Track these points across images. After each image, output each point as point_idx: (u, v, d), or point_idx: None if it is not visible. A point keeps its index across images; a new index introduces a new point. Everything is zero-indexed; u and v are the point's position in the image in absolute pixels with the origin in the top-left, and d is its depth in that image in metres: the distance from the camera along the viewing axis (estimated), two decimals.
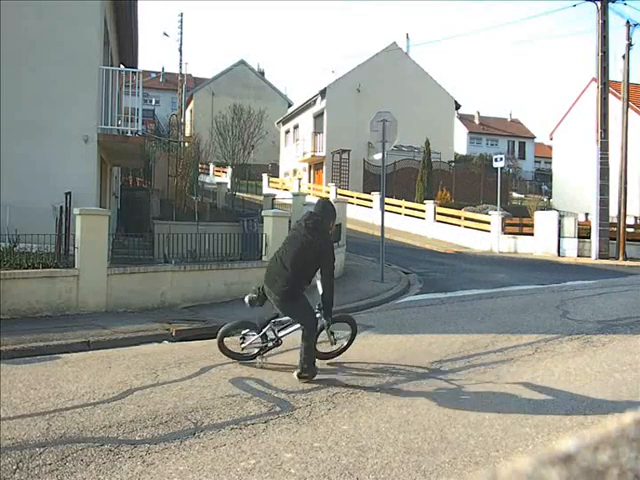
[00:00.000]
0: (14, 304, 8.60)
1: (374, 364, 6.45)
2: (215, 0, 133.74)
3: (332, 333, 6.37)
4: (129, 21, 14.71)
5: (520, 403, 5.13)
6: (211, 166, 40.08)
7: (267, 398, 5.32)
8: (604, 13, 18.89)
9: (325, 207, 6.17)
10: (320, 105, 34.86)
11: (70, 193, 10.41)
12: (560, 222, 20.03)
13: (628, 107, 20.47)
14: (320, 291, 5.97)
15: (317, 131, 35.26)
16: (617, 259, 18.78)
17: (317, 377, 5.84)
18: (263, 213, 12.54)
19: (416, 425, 4.61)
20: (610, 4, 18.97)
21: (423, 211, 25.14)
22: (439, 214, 24.32)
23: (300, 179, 34.88)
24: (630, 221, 22.67)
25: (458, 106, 36.86)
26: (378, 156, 14.23)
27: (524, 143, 57.96)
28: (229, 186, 27.74)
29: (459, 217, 23.63)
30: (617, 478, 0.45)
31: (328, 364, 6.45)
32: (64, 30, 11.44)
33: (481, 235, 22.22)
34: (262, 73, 53.34)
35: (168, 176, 20.99)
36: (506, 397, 5.30)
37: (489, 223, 22.04)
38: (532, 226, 20.84)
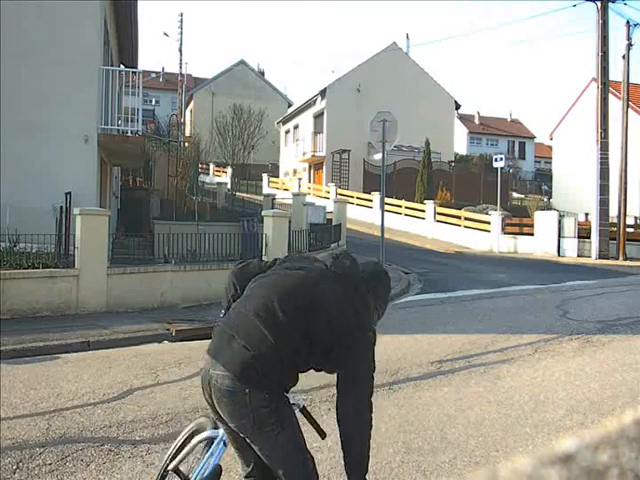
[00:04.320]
0: (14, 304, 8.60)
1: None
2: (215, 0, 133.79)
3: None
4: (129, 21, 14.70)
5: (520, 403, 5.13)
6: (211, 166, 40.08)
7: None
8: (604, 13, 18.89)
9: (378, 274, 2.77)
10: (320, 105, 34.85)
11: (70, 193, 10.41)
12: (560, 222, 20.03)
13: (628, 107, 20.46)
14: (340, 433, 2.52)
15: (317, 131, 35.26)
16: (617, 259, 18.78)
17: (316, 377, 5.82)
18: (263, 213, 12.54)
19: (416, 425, 4.61)
20: (610, 4, 18.98)
21: (423, 211, 25.14)
22: (439, 214, 24.31)
23: (300, 179, 34.87)
24: (630, 221, 22.67)
25: (458, 106, 36.85)
26: (378, 156, 14.24)
27: (524, 143, 57.94)
28: (229, 186, 27.74)
29: (459, 217, 23.63)
30: (617, 478, 0.46)
31: None
32: (64, 30, 11.44)
33: (481, 235, 22.22)
34: (262, 73, 53.31)
35: (168, 176, 20.99)
36: (506, 397, 5.30)
37: (489, 223, 22.03)
38: (532, 226, 20.84)
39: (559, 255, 19.63)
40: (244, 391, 2.27)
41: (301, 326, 2.36)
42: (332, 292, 2.46)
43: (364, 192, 29.62)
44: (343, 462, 2.47)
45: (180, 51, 33.64)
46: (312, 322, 2.38)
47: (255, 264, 2.77)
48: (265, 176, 38.42)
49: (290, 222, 12.78)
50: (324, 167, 34.26)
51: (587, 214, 22.75)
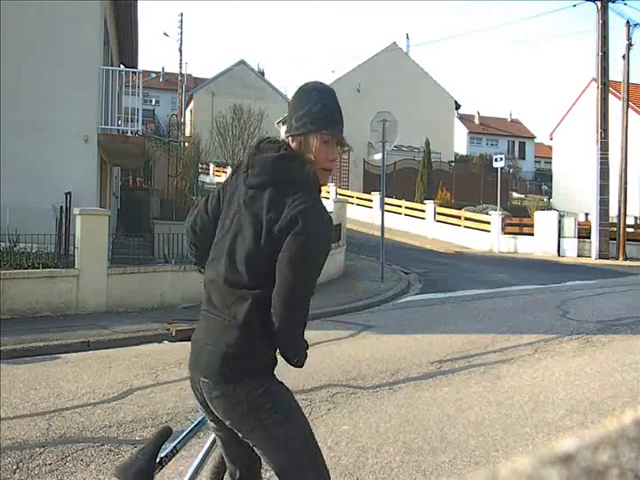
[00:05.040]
0: (14, 304, 8.60)
1: (374, 364, 6.44)
2: (215, 0, 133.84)
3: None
4: (129, 21, 14.71)
5: (520, 403, 5.13)
6: (211, 166, 40.05)
7: None
8: (604, 13, 18.89)
9: (304, 99, 2.35)
10: None
11: (70, 193, 10.41)
12: (560, 222, 20.04)
13: (628, 107, 20.47)
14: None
15: None
16: (617, 259, 18.79)
17: (316, 377, 5.82)
18: None
19: (416, 425, 4.60)
20: (610, 4, 18.98)
21: (423, 211, 25.14)
22: (439, 214, 24.31)
23: None
24: (630, 221, 22.68)
25: (458, 106, 36.88)
26: (378, 156, 14.24)
27: (524, 143, 57.95)
28: None
29: (459, 217, 23.63)
30: (617, 478, 0.45)
31: (327, 364, 6.45)
32: (64, 30, 11.44)
33: (481, 235, 22.22)
34: (262, 73, 53.26)
35: (168, 176, 20.97)
36: (506, 397, 5.30)
37: (489, 223, 22.03)
38: (532, 226, 20.85)
39: (559, 255, 19.63)
40: (233, 389, 2.09)
41: (254, 281, 2.10)
42: (266, 224, 2.09)
43: (364, 192, 29.60)
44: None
45: (180, 51, 33.68)
46: (260, 268, 2.10)
47: (202, 213, 2.41)
48: None
49: None
50: None
51: (587, 214, 22.76)
